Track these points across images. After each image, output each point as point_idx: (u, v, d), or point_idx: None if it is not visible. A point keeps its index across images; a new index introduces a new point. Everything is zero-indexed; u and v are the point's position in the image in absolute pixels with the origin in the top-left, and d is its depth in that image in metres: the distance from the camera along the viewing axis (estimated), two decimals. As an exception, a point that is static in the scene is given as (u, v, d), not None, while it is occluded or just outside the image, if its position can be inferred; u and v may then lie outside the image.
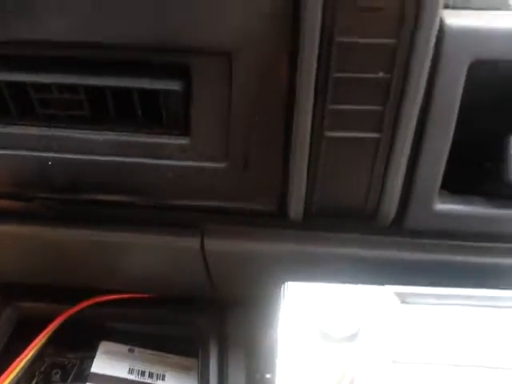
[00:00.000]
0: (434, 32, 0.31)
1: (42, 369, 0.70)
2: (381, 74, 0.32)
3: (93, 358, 0.70)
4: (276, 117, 0.37)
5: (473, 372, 0.34)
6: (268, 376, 0.42)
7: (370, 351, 0.34)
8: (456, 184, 0.39)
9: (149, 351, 0.71)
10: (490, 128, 0.38)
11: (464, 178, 0.39)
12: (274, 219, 0.43)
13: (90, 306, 0.69)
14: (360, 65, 0.32)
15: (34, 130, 0.41)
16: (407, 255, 0.42)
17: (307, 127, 0.35)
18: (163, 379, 0.69)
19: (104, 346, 0.72)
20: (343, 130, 0.35)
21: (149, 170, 0.41)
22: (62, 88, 0.38)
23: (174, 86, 0.38)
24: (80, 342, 0.71)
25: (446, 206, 0.39)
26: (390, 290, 0.36)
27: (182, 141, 0.40)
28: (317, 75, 0.33)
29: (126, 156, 0.41)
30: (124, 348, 0.72)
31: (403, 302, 0.36)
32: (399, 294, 0.36)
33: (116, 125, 0.40)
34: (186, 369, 0.69)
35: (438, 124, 0.35)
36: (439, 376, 0.34)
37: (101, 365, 0.69)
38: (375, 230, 0.41)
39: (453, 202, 0.39)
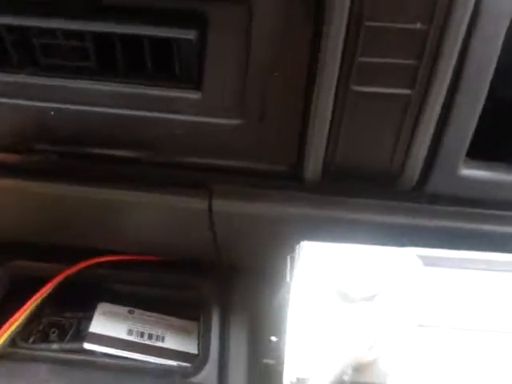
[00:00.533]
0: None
1: (40, 328, 0.70)
2: (418, 25, 0.29)
3: (91, 318, 0.69)
4: (297, 71, 0.35)
5: (496, 337, 0.33)
6: (273, 339, 0.41)
7: (393, 314, 0.33)
8: (482, 150, 0.37)
9: (149, 313, 0.71)
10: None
11: (491, 144, 0.38)
12: (288, 181, 0.42)
13: (89, 267, 0.68)
14: (396, 14, 0.29)
15: (35, 79, 0.38)
16: (427, 222, 0.41)
17: (333, 80, 0.33)
18: (162, 341, 0.69)
19: (103, 306, 0.71)
20: (372, 85, 0.33)
21: (157, 125, 0.39)
22: (67, 34, 0.36)
23: (188, 34, 0.35)
24: (79, 302, 0.70)
25: (470, 172, 0.37)
26: (411, 252, 0.35)
27: (194, 95, 0.38)
28: (347, 24, 0.30)
29: (134, 109, 0.39)
30: (123, 309, 0.71)
31: (426, 264, 0.35)
32: (422, 257, 0.35)
33: (124, 76, 0.38)
34: (186, 331, 0.69)
35: (472, 85, 0.33)
36: (463, 341, 0.33)
37: (99, 325, 0.69)
38: (395, 195, 0.40)
39: (478, 168, 0.38)
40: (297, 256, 0.37)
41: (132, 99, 0.39)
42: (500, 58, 0.32)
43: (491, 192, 0.38)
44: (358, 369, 0.31)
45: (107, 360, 0.66)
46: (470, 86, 0.33)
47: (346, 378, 0.30)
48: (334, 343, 0.27)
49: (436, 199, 0.40)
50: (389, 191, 0.39)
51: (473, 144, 0.36)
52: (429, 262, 0.35)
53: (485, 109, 0.35)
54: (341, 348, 0.26)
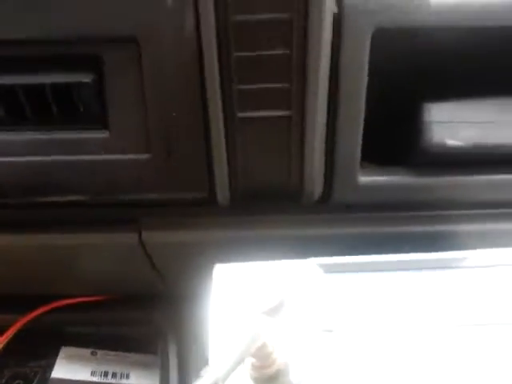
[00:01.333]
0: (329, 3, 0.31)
1: (3, 381, 0.69)
2: (280, 51, 0.32)
3: (54, 363, 0.69)
4: (193, 104, 0.37)
5: (402, 336, 0.34)
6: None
7: (298, 322, 0.34)
8: (377, 156, 0.40)
9: (111, 352, 0.71)
10: (403, 97, 0.39)
11: (384, 149, 0.40)
12: (206, 207, 0.43)
13: (47, 313, 0.68)
14: (258, 41, 0.32)
15: None
16: (337, 231, 0.43)
17: (219, 110, 0.35)
18: (127, 378, 0.69)
19: (65, 350, 0.71)
20: (254, 110, 0.35)
21: (72, 167, 0.41)
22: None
23: (85, 78, 0.37)
24: (42, 349, 0.70)
25: (368, 178, 0.39)
26: (313, 262, 0.37)
27: (102, 135, 0.40)
28: (219, 56, 0.33)
29: (47, 155, 0.40)
30: (86, 352, 0.71)
31: (326, 272, 0.36)
32: (322, 265, 0.36)
33: (32, 123, 0.40)
34: (148, 366, 0.69)
35: (349, 97, 0.35)
36: (371, 342, 0.34)
37: (62, 369, 0.69)
38: (304, 209, 0.42)
39: (375, 174, 0.40)
40: (213, 278, 0.38)
41: (43, 146, 0.40)
42: (372, 64, 0.35)
43: (392, 195, 0.40)
44: (266, 381, 0.32)
45: (72, 404, 0.66)
46: (348, 98, 0.35)
47: None
48: (242, 359, 0.28)
49: (344, 208, 0.42)
50: (297, 206, 0.41)
51: (369, 150, 0.39)
52: (329, 269, 0.36)
53: (371, 115, 0.37)
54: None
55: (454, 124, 0.39)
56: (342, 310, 0.35)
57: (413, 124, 0.39)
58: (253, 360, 0.31)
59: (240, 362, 0.27)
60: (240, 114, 0.35)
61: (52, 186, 0.42)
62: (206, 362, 0.60)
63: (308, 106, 0.34)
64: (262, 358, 0.31)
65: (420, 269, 0.37)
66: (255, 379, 0.33)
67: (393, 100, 0.40)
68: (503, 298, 0.36)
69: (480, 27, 0.35)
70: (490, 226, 0.44)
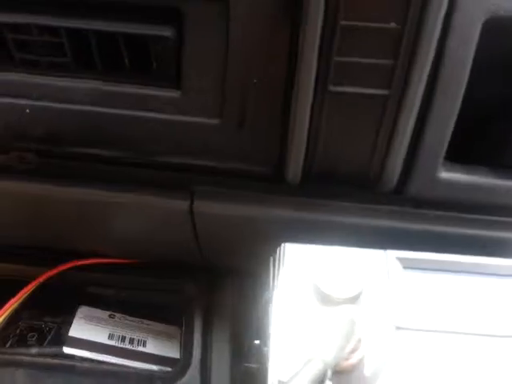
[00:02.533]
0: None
1: (17, 332, 0.69)
2: (392, 25, 0.30)
3: (71, 322, 0.68)
4: (277, 71, 0.35)
5: (474, 340, 0.33)
6: (257, 342, 0.41)
7: (372, 316, 0.33)
8: (461, 153, 0.38)
9: (131, 318, 0.70)
10: (500, 92, 0.37)
11: (470, 147, 0.38)
12: (269, 183, 0.42)
13: (69, 270, 0.67)
14: (370, 12, 0.30)
15: (10, 76, 0.38)
16: (407, 225, 0.41)
17: (311, 80, 0.33)
18: (144, 345, 0.68)
19: (83, 310, 0.70)
20: (349, 85, 0.33)
21: (135, 123, 0.39)
22: (42, 29, 0.35)
23: (165, 31, 0.35)
24: (59, 306, 0.70)
25: (449, 175, 0.38)
26: (392, 255, 0.35)
27: (173, 93, 0.38)
28: (323, 23, 0.30)
29: (111, 107, 0.39)
30: (104, 314, 0.71)
31: (405, 267, 0.35)
32: (401, 259, 0.35)
33: (101, 73, 0.38)
34: (168, 336, 0.68)
35: (448, 86, 0.33)
36: (442, 343, 0.33)
37: (79, 329, 0.68)
38: (376, 199, 0.40)
39: (457, 171, 0.38)
40: (279, 258, 0.37)
41: (109, 97, 0.38)
42: (476, 59, 0.32)
43: (471, 195, 0.38)
44: (340, 373, 0.31)
45: (87, 365, 0.65)
46: (447, 87, 0.33)
47: (327, 382, 0.30)
48: (315, 346, 0.27)
49: (417, 203, 0.40)
50: (370, 194, 0.39)
51: (452, 147, 0.37)
52: (408, 264, 0.35)
53: (463, 111, 0.35)
54: (322, 351, 0.26)
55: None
56: (416, 309, 0.34)
57: (505, 120, 0.37)
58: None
59: (338, 359, 0.26)
60: (333, 88, 0.33)
61: (111, 141, 0.41)
62: (233, 344, 0.60)
63: (410, 88, 0.32)
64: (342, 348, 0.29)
65: (498, 275, 0.35)
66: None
67: (487, 93, 0.37)
68: None
69: None
70: None
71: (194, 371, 0.61)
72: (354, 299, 0.30)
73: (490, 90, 0.36)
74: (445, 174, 0.37)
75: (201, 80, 0.37)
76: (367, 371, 0.31)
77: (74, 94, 0.38)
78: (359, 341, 0.29)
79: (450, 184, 0.38)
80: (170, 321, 0.68)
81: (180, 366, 0.62)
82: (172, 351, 0.67)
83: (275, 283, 0.35)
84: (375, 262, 0.35)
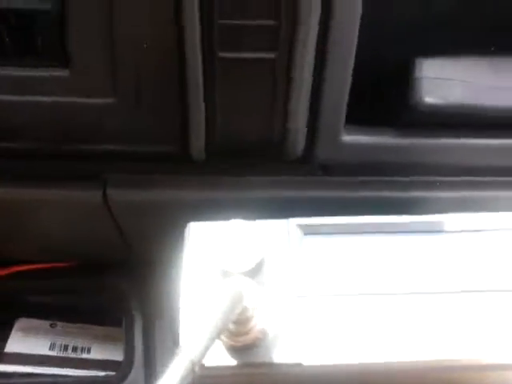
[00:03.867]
0: None
1: (-50, 356, 0.65)
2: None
3: (8, 337, 0.65)
4: (168, 42, 0.33)
5: (378, 300, 0.33)
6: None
7: (273, 287, 0.32)
8: (362, 115, 0.37)
9: (73, 325, 0.68)
10: (393, 52, 0.36)
11: (370, 108, 0.38)
12: (177, 163, 0.40)
13: (3, 279, 0.64)
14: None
15: None
16: (316, 193, 0.40)
17: (197, 47, 0.32)
18: (88, 352, 0.66)
19: (21, 322, 0.67)
20: (236, 50, 0.32)
21: (26, 110, 0.37)
22: None
23: (44, 4, 0.33)
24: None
25: (352, 138, 0.37)
26: (293, 223, 0.34)
27: (61, 73, 0.36)
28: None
29: (-1, 93, 0.36)
30: (45, 323, 0.68)
31: (307, 233, 0.34)
32: (302, 226, 0.34)
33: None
34: (112, 339, 0.66)
35: (339, 45, 0.33)
36: (347, 307, 0.33)
37: (17, 343, 0.65)
38: (282, 170, 0.39)
39: (359, 133, 0.38)
40: (185, 238, 0.36)
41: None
42: (365, 20, 0.32)
43: (375, 157, 0.38)
44: (242, 349, 0.30)
45: (27, 380, 0.63)
46: (338, 48, 0.33)
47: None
48: (218, 320, 0.26)
49: (324, 170, 0.40)
50: (276, 166, 0.39)
51: (353, 112, 0.36)
52: (310, 230, 0.34)
53: (359, 74, 0.35)
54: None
55: (441, 81, 0.37)
56: (319, 275, 0.33)
57: (400, 81, 0.37)
58: (229, 326, 0.29)
59: (222, 329, 0.25)
60: (221, 54, 0.32)
61: (2, 131, 0.38)
62: (175, 335, 0.58)
63: (297, 48, 0.31)
64: (241, 324, 0.28)
65: (398, 232, 0.35)
66: (229, 348, 0.30)
67: (381, 55, 0.37)
68: (480, 264, 0.34)
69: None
70: (473, 193, 0.42)
71: (137, 371, 0.59)
72: (253, 271, 0.29)
73: (384, 52, 0.36)
74: (347, 138, 0.37)
75: (89, 56, 0.35)
76: (269, 343, 0.30)
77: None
78: (252, 310, 0.28)
79: (353, 147, 0.37)
80: (113, 322, 0.66)
81: (123, 368, 0.60)
82: (117, 354, 0.64)
83: (182, 263, 0.34)
84: (277, 232, 0.34)
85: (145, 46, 0.34)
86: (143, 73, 0.35)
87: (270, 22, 0.31)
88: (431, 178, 0.41)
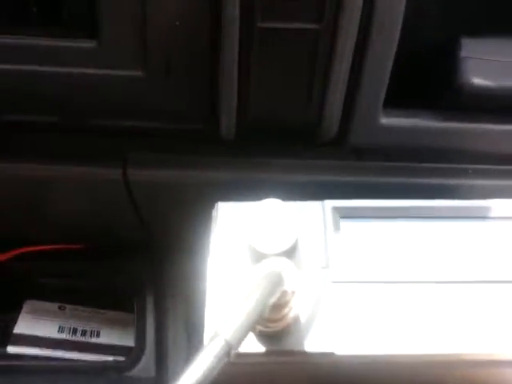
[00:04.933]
0: None
1: (-40, 336, 0.65)
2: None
3: (17, 318, 0.65)
4: (200, 10, 0.32)
5: (417, 288, 0.32)
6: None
7: (308, 271, 0.31)
8: (402, 98, 0.36)
9: (82, 308, 0.67)
10: (437, 31, 0.35)
11: (411, 90, 0.37)
12: (203, 143, 0.39)
13: (11, 261, 0.63)
14: None
15: None
16: (351, 178, 0.39)
17: (236, 16, 0.30)
18: (98, 336, 0.65)
19: (29, 304, 0.67)
20: (278, 21, 0.31)
21: (50, 80, 0.36)
22: None
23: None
24: (3, 301, 0.66)
25: (390, 120, 0.36)
26: (328, 205, 0.33)
27: (89, 44, 0.35)
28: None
29: (21, 63, 0.35)
30: (53, 306, 0.67)
31: (343, 216, 0.33)
32: (338, 209, 0.33)
33: (6, 25, 0.34)
34: (122, 323, 0.65)
35: (383, 24, 0.32)
36: (383, 294, 0.32)
37: (26, 325, 0.65)
38: (316, 153, 0.38)
39: (397, 116, 0.36)
40: (213, 218, 0.35)
41: (18, 52, 0.35)
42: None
43: (413, 140, 0.37)
44: (274, 336, 0.29)
45: (35, 363, 0.62)
46: (382, 27, 0.32)
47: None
48: (248, 303, 0.25)
49: (359, 153, 0.39)
50: (310, 148, 0.37)
51: (392, 94, 0.35)
52: (346, 213, 0.33)
53: (400, 55, 0.33)
54: (260, 310, 0.24)
55: (490, 62, 0.36)
56: (354, 260, 0.33)
57: (444, 61, 0.36)
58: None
59: (261, 313, 0.24)
60: (261, 24, 0.31)
61: (25, 103, 0.37)
62: (188, 322, 0.57)
63: (343, 22, 0.30)
64: (275, 309, 0.27)
65: (435, 217, 0.34)
66: (260, 334, 0.29)
67: (424, 34, 0.36)
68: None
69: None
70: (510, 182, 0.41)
71: (147, 359, 0.58)
72: (288, 253, 0.28)
73: (427, 31, 0.35)
74: (385, 120, 0.36)
75: (118, 27, 0.34)
76: (301, 331, 0.29)
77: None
78: (290, 295, 0.27)
79: (390, 130, 0.36)
80: (124, 306, 0.65)
81: (134, 354, 0.60)
82: (127, 339, 0.64)
83: (210, 243, 0.33)
84: (311, 214, 0.33)
85: (177, 23, 0.33)
86: (174, 45, 0.34)
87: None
88: (468, 166, 0.40)
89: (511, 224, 0.35)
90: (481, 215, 0.35)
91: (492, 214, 0.35)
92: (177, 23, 0.33)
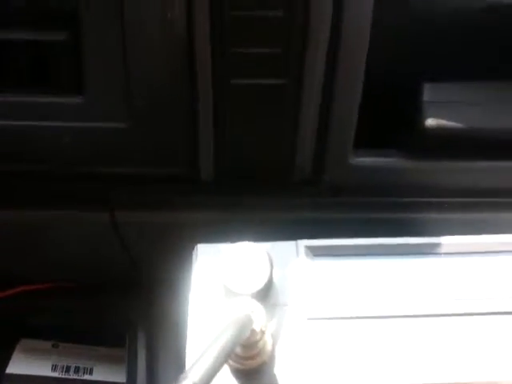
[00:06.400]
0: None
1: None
2: (281, 13, 0.31)
3: (10, 358, 0.66)
4: (180, 68, 0.36)
5: (392, 323, 0.34)
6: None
7: (282, 309, 0.33)
8: (370, 138, 0.39)
9: (75, 345, 0.68)
10: (402, 76, 0.38)
11: (378, 131, 0.40)
12: (186, 185, 0.42)
13: (2, 300, 0.65)
14: (254, 1, 0.31)
15: None
16: (325, 215, 0.42)
17: (208, 74, 0.34)
18: (91, 373, 0.66)
19: (23, 343, 0.68)
20: (248, 77, 0.34)
21: (41, 134, 0.39)
22: None
23: (59, 36, 0.35)
24: (-2, 340, 0.67)
25: (361, 160, 0.39)
26: (301, 244, 0.36)
27: (76, 99, 0.38)
28: (211, 14, 0.31)
29: (12, 119, 0.38)
30: (47, 344, 0.69)
31: (316, 255, 0.35)
32: (311, 248, 0.35)
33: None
34: (115, 360, 0.67)
35: (348, 69, 0.35)
36: (357, 330, 0.34)
37: (19, 364, 0.66)
38: (292, 192, 0.41)
39: (368, 155, 0.39)
40: (193, 259, 0.37)
41: (8, 108, 0.38)
42: (374, 38, 0.34)
43: (384, 178, 0.40)
44: (249, 372, 0.31)
45: (28, 402, 0.63)
46: (347, 71, 0.35)
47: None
48: (224, 346, 0.27)
49: (332, 192, 0.41)
50: (285, 187, 0.40)
51: (363, 132, 0.38)
52: (319, 252, 0.36)
53: (367, 95, 0.36)
54: (229, 350, 0.26)
55: (451, 104, 0.39)
56: (328, 297, 0.35)
57: (409, 104, 0.39)
58: (236, 349, 0.30)
59: (230, 353, 0.26)
60: (233, 81, 0.34)
61: (16, 154, 0.40)
62: (179, 358, 0.59)
63: (306, 74, 0.33)
64: (248, 347, 0.29)
65: (408, 254, 0.36)
66: (235, 371, 0.31)
67: (389, 78, 0.39)
68: (502, 286, 0.36)
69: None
70: (485, 215, 0.44)
71: (140, 395, 0.60)
72: (261, 293, 0.30)
73: (391, 76, 0.38)
74: (356, 159, 0.39)
75: (103, 83, 0.37)
76: (276, 367, 0.31)
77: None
78: (260, 334, 0.29)
79: (361, 168, 0.39)
80: (116, 342, 0.67)
81: (126, 390, 0.61)
82: (120, 375, 0.65)
83: (190, 285, 0.35)
84: (286, 254, 0.35)
85: (158, 77, 0.36)
86: (156, 98, 0.37)
87: (279, 50, 0.33)
88: (440, 200, 0.42)
89: (485, 259, 0.37)
90: (455, 251, 0.37)
91: (468, 249, 0.37)
92: (158, 77, 0.36)
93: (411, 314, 0.34)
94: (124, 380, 0.64)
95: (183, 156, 0.39)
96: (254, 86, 0.35)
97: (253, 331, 0.28)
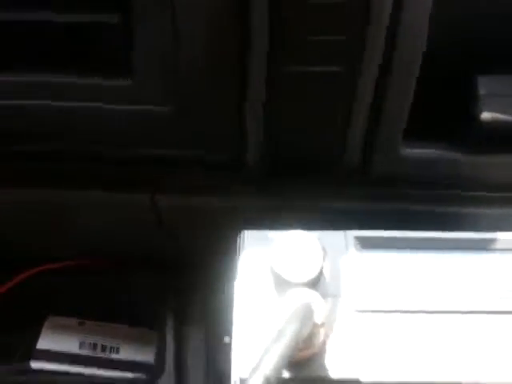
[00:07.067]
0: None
1: (-18, 350, 0.67)
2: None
3: (39, 334, 0.68)
4: (231, 52, 0.35)
5: (437, 318, 0.34)
6: (227, 340, 0.41)
7: (332, 300, 0.34)
8: (421, 129, 0.39)
9: (101, 323, 0.69)
10: (457, 67, 0.38)
11: (431, 122, 0.39)
12: (230, 171, 0.42)
13: (34, 278, 0.66)
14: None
15: None
16: (373, 206, 0.42)
17: (263, 61, 0.33)
18: (117, 352, 0.67)
19: (51, 320, 0.69)
20: (301, 64, 0.34)
21: (89, 116, 0.39)
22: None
23: (112, 19, 0.35)
24: (25, 318, 0.69)
25: (412, 151, 0.39)
26: (350, 235, 0.35)
27: (122, 82, 0.38)
28: (271, 1, 0.31)
29: (58, 99, 0.38)
30: (74, 321, 0.70)
31: (365, 247, 0.35)
32: (360, 239, 0.35)
33: (43, 64, 0.38)
34: (142, 340, 0.68)
35: (404, 59, 0.34)
36: (406, 324, 0.34)
37: (48, 341, 0.67)
38: (339, 181, 0.41)
39: (419, 147, 0.39)
40: (239, 246, 0.37)
41: (54, 89, 0.38)
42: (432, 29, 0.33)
43: (435, 170, 0.39)
44: (299, 363, 0.31)
45: (57, 378, 0.65)
46: (403, 61, 0.34)
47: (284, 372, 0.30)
48: (284, 338, 0.27)
49: (380, 182, 0.41)
50: (333, 177, 0.40)
51: (412, 123, 0.38)
52: (368, 243, 0.36)
53: (421, 87, 0.36)
54: (291, 342, 0.26)
55: (507, 98, 0.38)
56: (376, 290, 0.35)
57: (463, 96, 0.39)
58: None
59: (296, 344, 0.26)
60: (286, 68, 0.34)
61: (60, 135, 0.41)
62: (208, 341, 0.60)
63: (364, 62, 0.33)
64: (305, 340, 0.29)
65: (463, 249, 0.36)
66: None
67: (442, 70, 0.39)
68: None
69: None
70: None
71: (167, 377, 0.60)
72: (313, 282, 0.30)
73: (447, 65, 0.38)
74: (407, 150, 0.38)
75: (153, 67, 0.37)
76: (327, 358, 0.31)
77: (18, 89, 0.38)
78: (319, 326, 0.29)
79: (412, 160, 0.39)
80: (144, 323, 0.68)
81: (154, 372, 0.62)
82: (147, 356, 0.66)
83: (236, 272, 0.35)
84: (334, 244, 0.35)
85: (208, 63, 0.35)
86: (205, 83, 0.37)
87: (337, 38, 0.33)
88: (491, 194, 0.42)
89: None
90: (508, 247, 0.36)
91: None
92: (208, 63, 0.36)
93: (460, 310, 0.34)
94: (150, 360, 0.65)
95: (231, 143, 0.39)
96: (307, 74, 0.34)
97: (314, 324, 0.28)
